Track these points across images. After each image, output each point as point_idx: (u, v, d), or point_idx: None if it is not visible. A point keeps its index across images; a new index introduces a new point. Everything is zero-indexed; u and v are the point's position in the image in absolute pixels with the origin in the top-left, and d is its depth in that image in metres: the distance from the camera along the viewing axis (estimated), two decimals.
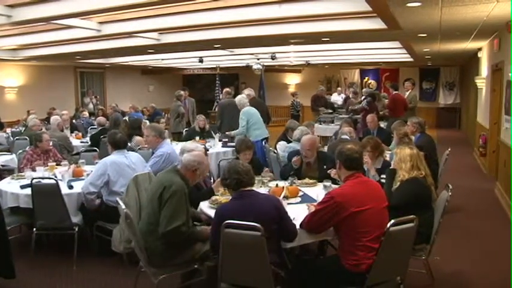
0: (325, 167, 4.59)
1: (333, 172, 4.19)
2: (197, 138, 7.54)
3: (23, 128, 9.24)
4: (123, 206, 3.26)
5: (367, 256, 2.89)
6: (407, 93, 10.73)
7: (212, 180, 4.69)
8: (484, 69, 9.74)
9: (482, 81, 9.80)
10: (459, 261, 4.54)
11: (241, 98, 7.62)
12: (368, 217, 2.93)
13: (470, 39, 8.47)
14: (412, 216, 2.96)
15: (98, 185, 4.37)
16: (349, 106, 11.40)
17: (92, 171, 4.74)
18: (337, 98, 13.80)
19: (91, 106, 14.27)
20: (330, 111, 11.83)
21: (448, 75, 16.89)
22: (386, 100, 10.57)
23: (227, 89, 9.46)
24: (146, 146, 5.83)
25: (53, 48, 9.34)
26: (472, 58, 12.15)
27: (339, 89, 15.89)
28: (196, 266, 3.44)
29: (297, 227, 3.17)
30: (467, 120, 14.09)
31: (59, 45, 8.97)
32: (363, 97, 10.78)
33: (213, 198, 3.87)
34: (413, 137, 6.09)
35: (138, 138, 6.51)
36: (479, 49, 10.14)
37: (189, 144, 4.76)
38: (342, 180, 3.27)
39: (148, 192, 3.59)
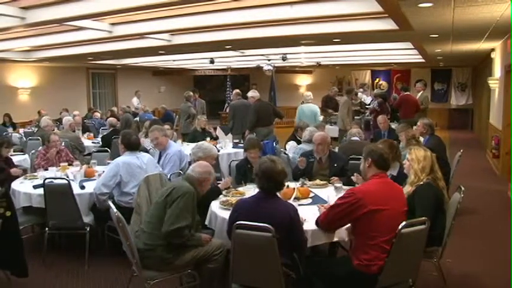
0: (335, 165, 4.78)
1: (354, 178, 4.21)
2: (208, 139, 7.52)
3: (36, 129, 9.34)
4: (115, 210, 3.23)
5: (379, 257, 2.87)
6: (419, 94, 10.65)
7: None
8: (497, 70, 9.63)
9: (495, 82, 9.68)
10: (471, 263, 4.50)
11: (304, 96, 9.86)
12: (385, 217, 2.91)
13: (483, 40, 8.38)
14: (423, 218, 2.94)
15: (110, 186, 4.40)
16: None
17: (103, 171, 4.77)
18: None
19: (138, 105, 13.88)
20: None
21: (460, 76, 16.74)
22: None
23: (237, 90, 9.50)
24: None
25: (66, 50, 9.42)
26: (484, 59, 12.02)
27: (361, 89, 15.60)
28: (190, 270, 3.41)
29: (309, 228, 3.18)
30: (479, 121, 13.94)
31: (71, 46, 9.03)
32: (373, 98, 10.73)
33: (224, 199, 3.88)
34: (422, 139, 6.04)
35: None
36: (492, 50, 10.03)
37: (206, 144, 4.81)
38: (366, 178, 3.27)
39: (158, 195, 3.59)
